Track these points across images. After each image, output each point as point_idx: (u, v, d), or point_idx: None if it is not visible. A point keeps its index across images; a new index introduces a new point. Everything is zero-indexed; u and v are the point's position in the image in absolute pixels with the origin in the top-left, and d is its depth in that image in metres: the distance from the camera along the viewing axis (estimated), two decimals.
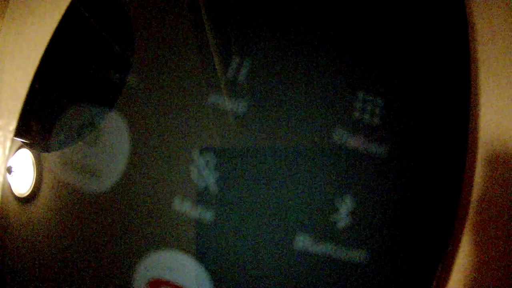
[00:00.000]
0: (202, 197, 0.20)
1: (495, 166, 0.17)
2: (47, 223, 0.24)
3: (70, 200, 0.24)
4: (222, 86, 0.22)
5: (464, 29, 0.19)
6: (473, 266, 0.17)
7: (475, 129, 0.18)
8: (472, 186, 0.17)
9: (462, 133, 0.17)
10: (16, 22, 0.29)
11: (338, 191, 0.18)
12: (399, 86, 0.19)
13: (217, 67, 0.22)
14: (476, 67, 0.19)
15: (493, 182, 0.17)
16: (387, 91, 0.19)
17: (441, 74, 0.18)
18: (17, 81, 0.26)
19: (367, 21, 0.20)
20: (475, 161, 0.17)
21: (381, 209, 0.17)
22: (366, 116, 0.19)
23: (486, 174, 0.17)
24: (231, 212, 0.19)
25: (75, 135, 0.24)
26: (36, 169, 0.26)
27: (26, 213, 0.26)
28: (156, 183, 0.21)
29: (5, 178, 0.28)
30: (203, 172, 0.20)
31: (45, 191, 0.25)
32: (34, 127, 0.28)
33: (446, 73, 0.18)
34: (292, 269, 0.18)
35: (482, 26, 0.19)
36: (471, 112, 0.18)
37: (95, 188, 0.22)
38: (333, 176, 0.19)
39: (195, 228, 0.19)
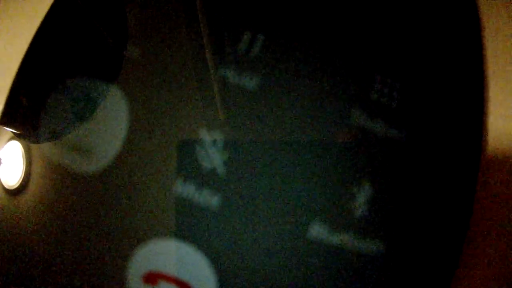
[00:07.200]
0: (207, 180, 0.18)
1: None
2: (37, 215, 0.23)
3: (61, 190, 0.22)
4: (233, 59, 0.20)
5: (476, 14, 0.18)
6: (495, 254, 0.16)
7: (487, 117, 0.17)
8: (488, 173, 0.17)
9: (477, 122, 0.17)
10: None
11: (355, 177, 0.17)
12: (418, 71, 0.18)
13: (227, 42, 0.21)
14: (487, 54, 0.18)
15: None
16: (406, 75, 0.18)
17: (456, 62, 0.18)
18: (9, 57, 0.26)
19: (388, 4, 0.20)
20: (487, 147, 0.17)
21: (399, 196, 0.17)
22: (385, 99, 0.18)
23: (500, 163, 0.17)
24: (239, 197, 0.18)
25: (72, 117, 0.23)
26: (26, 160, 0.25)
27: (15, 205, 0.24)
28: (156, 164, 0.20)
29: None
30: (210, 152, 0.19)
31: (35, 182, 0.24)
32: (23, 113, 0.27)
33: (460, 63, 0.18)
34: (306, 259, 0.17)
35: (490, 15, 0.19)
36: (485, 99, 0.17)
37: (89, 168, 0.21)
38: (351, 160, 0.17)
39: (198, 214, 0.18)
